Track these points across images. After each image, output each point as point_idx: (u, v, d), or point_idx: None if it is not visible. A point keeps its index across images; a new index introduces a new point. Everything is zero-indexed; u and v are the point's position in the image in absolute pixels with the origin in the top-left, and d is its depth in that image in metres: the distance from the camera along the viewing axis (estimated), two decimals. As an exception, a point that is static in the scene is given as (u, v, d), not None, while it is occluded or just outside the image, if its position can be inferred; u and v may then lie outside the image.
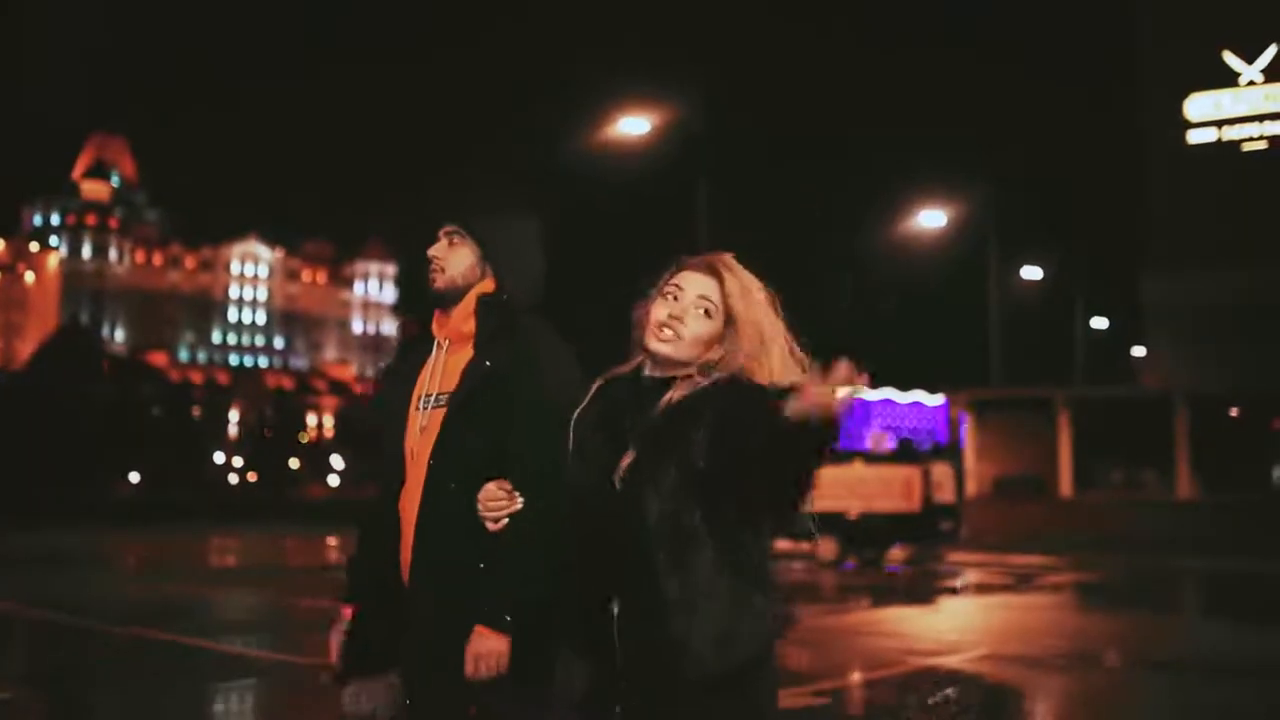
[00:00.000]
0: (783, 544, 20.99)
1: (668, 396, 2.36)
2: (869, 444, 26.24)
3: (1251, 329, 33.90)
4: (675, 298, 2.42)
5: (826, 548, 19.24)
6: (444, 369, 2.66)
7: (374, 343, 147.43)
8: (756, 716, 2.30)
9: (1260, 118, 39.11)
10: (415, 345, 2.78)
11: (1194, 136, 39.56)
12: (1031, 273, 42.09)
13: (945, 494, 19.55)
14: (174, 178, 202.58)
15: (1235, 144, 38.82)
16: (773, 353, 2.37)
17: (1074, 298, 44.73)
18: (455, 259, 2.72)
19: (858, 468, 20.64)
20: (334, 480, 67.30)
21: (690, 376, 2.39)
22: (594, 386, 2.49)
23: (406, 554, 2.62)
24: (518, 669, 2.45)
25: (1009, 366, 34.92)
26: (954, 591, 15.94)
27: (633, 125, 24.03)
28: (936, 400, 34.10)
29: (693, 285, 2.42)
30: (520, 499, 2.48)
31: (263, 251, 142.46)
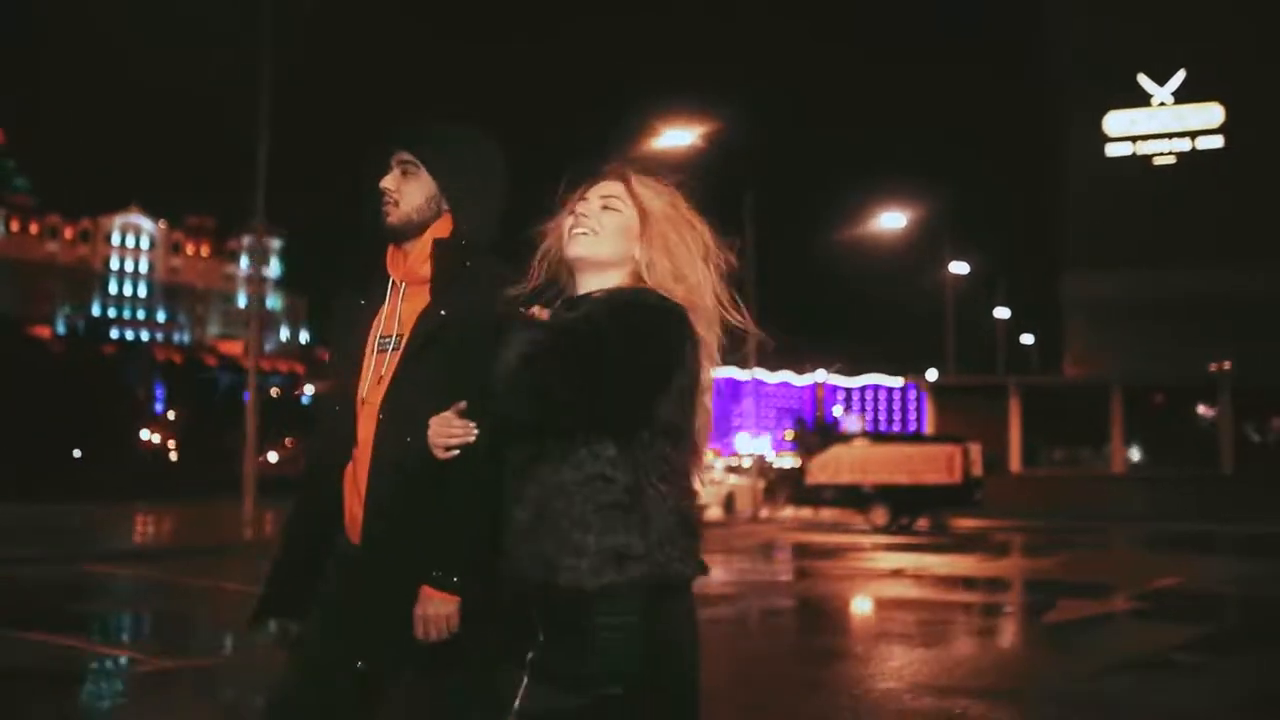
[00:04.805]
0: (845, 514, 24.23)
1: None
2: (847, 426, 29.62)
3: (1158, 324, 38.33)
4: (583, 199, 2.22)
5: (879, 515, 22.45)
6: (400, 312, 2.48)
7: (258, 317, 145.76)
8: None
9: (1170, 135, 43.57)
10: (368, 286, 2.57)
11: (1111, 150, 43.98)
12: (957, 267, 45.95)
13: (977, 469, 22.86)
14: (42, 146, 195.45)
15: (1148, 158, 43.35)
16: (696, 264, 2.17)
17: (990, 291, 48.78)
18: (410, 192, 2.50)
19: (874, 447, 23.88)
20: (274, 456, 67.22)
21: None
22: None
23: (356, 507, 2.45)
24: (473, 630, 2.29)
25: (935, 352, 38.69)
26: (1058, 549, 18.72)
27: (678, 138, 26.57)
28: (804, 380, 37.11)
29: (596, 190, 2.23)
30: (474, 429, 2.25)
31: (144, 223, 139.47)
